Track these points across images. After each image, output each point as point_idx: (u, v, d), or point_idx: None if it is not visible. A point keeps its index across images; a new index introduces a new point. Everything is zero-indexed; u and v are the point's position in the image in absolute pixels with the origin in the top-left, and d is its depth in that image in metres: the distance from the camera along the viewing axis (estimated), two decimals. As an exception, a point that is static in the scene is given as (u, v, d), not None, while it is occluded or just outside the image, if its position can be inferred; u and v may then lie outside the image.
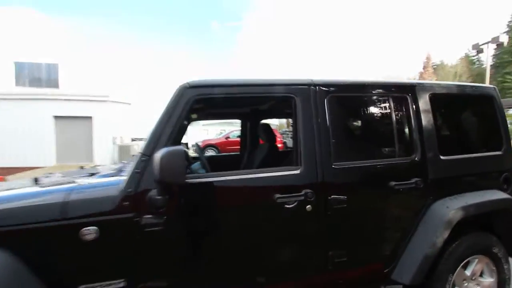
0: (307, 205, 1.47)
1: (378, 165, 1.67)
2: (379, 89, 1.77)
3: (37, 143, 12.09)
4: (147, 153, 1.32)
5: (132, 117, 14.02)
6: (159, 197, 1.24)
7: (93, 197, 1.31)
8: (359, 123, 1.83)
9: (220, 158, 3.73)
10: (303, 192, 1.46)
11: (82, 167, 2.33)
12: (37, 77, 15.75)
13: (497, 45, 16.43)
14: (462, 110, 2.08)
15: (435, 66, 33.59)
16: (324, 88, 1.61)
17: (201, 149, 1.89)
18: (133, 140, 13.20)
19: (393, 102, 1.76)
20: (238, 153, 3.26)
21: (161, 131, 1.35)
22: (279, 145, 8.37)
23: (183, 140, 3.31)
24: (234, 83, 1.54)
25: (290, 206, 1.45)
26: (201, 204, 1.40)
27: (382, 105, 1.78)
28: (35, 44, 15.12)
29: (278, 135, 11.46)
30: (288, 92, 1.57)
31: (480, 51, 16.36)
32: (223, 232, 1.44)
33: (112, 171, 1.69)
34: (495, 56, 28.13)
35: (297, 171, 1.50)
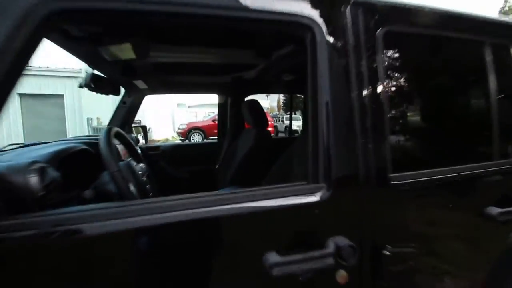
0: (340, 273, 0.66)
1: (476, 175, 0.84)
2: (474, 28, 0.90)
3: (1, 124, 10.85)
4: None
5: (110, 96, 12.65)
6: None
7: None
8: (437, 91, 0.93)
9: (189, 149, 2.31)
10: (330, 248, 0.63)
11: None
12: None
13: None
14: None
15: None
16: (374, 14, 0.74)
17: (109, 136, 0.84)
18: (111, 121, 12.04)
19: (493, 54, 0.92)
20: (216, 140, 2.39)
21: None
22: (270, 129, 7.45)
23: (140, 122, 2.26)
24: None
25: (302, 278, 0.63)
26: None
27: (476, 58, 0.93)
28: None
29: (269, 119, 10.54)
30: (296, 15, 0.68)
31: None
32: None
33: None
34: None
35: (315, 197, 0.66)
